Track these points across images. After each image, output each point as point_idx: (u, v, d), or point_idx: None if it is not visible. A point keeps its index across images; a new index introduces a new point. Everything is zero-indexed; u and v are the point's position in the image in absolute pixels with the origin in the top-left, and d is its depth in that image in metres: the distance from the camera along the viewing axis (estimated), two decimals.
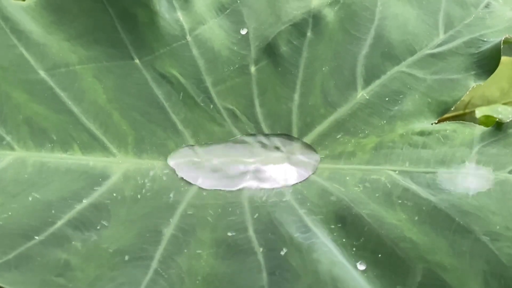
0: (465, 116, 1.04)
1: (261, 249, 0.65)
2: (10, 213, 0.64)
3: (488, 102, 1.06)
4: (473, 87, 0.80)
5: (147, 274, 0.61)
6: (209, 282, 0.62)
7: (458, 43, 0.82)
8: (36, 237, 0.62)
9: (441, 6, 0.85)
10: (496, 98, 1.06)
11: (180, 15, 0.79)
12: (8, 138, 0.71)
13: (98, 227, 0.65)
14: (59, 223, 0.64)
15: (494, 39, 0.81)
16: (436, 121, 0.78)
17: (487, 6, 0.85)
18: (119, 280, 0.60)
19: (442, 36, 0.83)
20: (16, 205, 0.65)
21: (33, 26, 0.75)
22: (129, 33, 0.77)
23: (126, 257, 0.62)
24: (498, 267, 0.64)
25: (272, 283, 0.62)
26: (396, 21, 0.83)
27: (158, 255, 0.63)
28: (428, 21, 0.84)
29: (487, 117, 0.99)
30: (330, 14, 0.83)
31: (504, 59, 0.81)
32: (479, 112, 1.03)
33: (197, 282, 0.62)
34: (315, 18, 0.82)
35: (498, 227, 0.66)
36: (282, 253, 0.65)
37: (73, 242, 0.63)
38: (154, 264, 0.63)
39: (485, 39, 0.81)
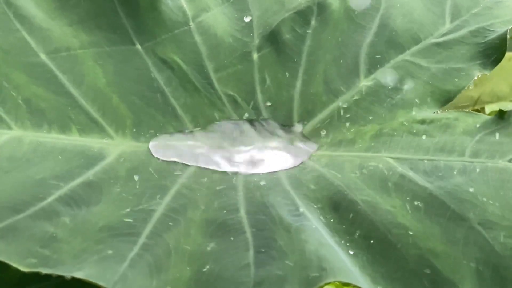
0: None
1: (250, 229, 0.65)
2: (1, 188, 0.64)
3: (498, 98, 1.05)
4: (478, 76, 0.78)
5: (134, 249, 0.62)
6: (195, 258, 0.62)
7: (464, 32, 0.81)
8: (25, 211, 0.63)
9: None
10: (506, 95, 1.05)
11: (183, 2, 0.80)
12: (6, 118, 0.71)
13: (88, 204, 0.65)
14: (50, 199, 0.65)
15: (501, 29, 0.80)
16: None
17: None
18: (104, 253, 0.60)
19: (448, 25, 0.82)
20: (8, 180, 0.66)
21: (36, 11, 0.76)
22: (130, 19, 0.78)
23: (114, 232, 0.63)
24: (492, 255, 0.63)
25: (258, 260, 0.62)
26: (402, 10, 0.82)
27: (146, 231, 0.64)
28: (434, 10, 0.83)
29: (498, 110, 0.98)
30: (335, 2, 0.83)
31: None
32: (488, 109, 1.02)
33: (184, 258, 0.62)
34: (320, 6, 0.82)
35: (493, 215, 0.65)
36: (271, 232, 0.65)
37: (61, 217, 0.63)
38: (142, 240, 0.63)
39: (492, 29, 0.81)
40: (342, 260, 0.62)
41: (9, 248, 0.59)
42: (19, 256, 0.58)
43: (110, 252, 0.61)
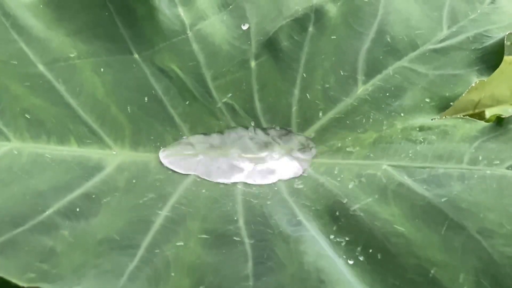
0: (475, 116, 1.02)
1: (249, 240, 0.65)
2: (0, 201, 0.65)
3: (498, 102, 1.04)
4: (476, 82, 0.79)
5: (132, 262, 0.62)
6: (194, 270, 0.62)
7: (462, 38, 0.81)
8: (24, 225, 0.63)
9: (446, 1, 0.84)
10: (506, 98, 1.04)
11: (181, 11, 0.80)
12: (4, 129, 0.72)
13: (87, 216, 0.66)
14: (49, 212, 0.65)
15: (498, 34, 0.80)
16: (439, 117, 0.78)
17: (492, 1, 0.84)
18: (103, 267, 0.61)
19: (445, 32, 0.82)
20: (7, 193, 0.66)
21: (34, 22, 0.76)
22: (128, 28, 0.78)
23: (113, 245, 0.63)
24: (490, 264, 0.63)
25: (257, 272, 0.62)
26: (400, 16, 0.82)
27: (145, 243, 0.64)
28: (432, 16, 0.83)
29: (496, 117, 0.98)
30: (332, 9, 0.82)
31: None
32: (489, 113, 1.02)
33: (183, 270, 0.62)
34: (317, 13, 0.82)
35: (492, 223, 0.65)
36: (270, 243, 0.65)
37: (60, 230, 0.64)
38: (140, 252, 0.63)
39: (489, 35, 0.81)
40: (341, 271, 0.63)
41: (8, 263, 0.59)
42: (18, 271, 0.58)
43: (109, 265, 0.61)
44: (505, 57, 0.79)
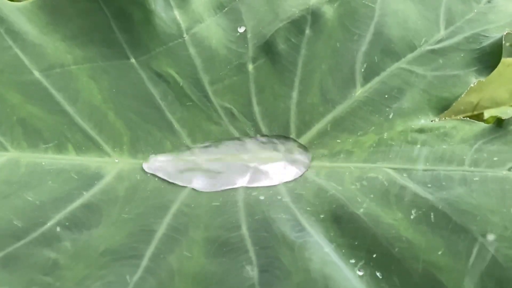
0: (473, 118, 1.02)
1: (253, 247, 0.65)
2: (1, 213, 0.64)
3: (497, 104, 1.05)
4: (474, 83, 0.78)
5: (137, 272, 0.61)
6: (199, 280, 0.62)
7: (459, 38, 0.81)
8: (26, 238, 0.62)
9: (442, 2, 0.83)
10: (505, 100, 1.05)
11: (177, 14, 0.79)
12: (2, 139, 0.71)
13: (89, 227, 0.65)
14: (50, 224, 0.64)
15: (496, 34, 0.79)
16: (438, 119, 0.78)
17: (489, 1, 0.84)
18: (107, 279, 0.60)
19: (443, 32, 0.81)
20: (7, 205, 0.65)
21: (28, 27, 0.75)
22: (124, 33, 0.77)
23: (116, 256, 0.62)
24: (495, 268, 0.63)
25: (262, 280, 0.62)
26: (396, 17, 0.82)
27: (148, 253, 0.63)
28: (429, 16, 0.83)
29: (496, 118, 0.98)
30: (329, 11, 0.82)
31: None
32: (487, 114, 1.02)
33: (188, 280, 0.62)
34: (314, 15, 0.81)
35: (496, 226, 0.65)
36: (274, 251, 0.64)
37: (62, 242, 0.63)
38: (144, 263, 0.62)
39: (487, 35, 0.80)
40: (347, 278, 0.62)
41: (12, 278, 0.58)
42: (22, 285, 0.58)
43: (113, 277, 0.60)
44: (504, 59, 0.79)
